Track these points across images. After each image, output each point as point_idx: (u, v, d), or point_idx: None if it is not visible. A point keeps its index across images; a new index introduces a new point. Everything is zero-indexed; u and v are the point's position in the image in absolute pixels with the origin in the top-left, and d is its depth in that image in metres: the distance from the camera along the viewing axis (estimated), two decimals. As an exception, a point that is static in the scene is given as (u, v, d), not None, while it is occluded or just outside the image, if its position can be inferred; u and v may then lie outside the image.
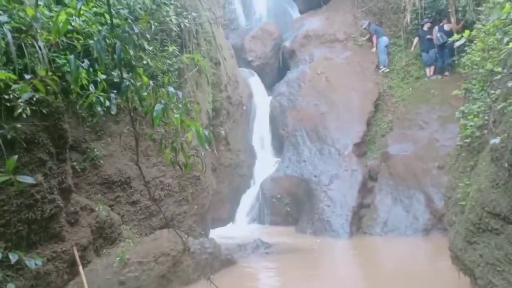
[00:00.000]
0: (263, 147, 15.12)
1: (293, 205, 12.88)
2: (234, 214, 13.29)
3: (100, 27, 6.29)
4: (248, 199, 13.64)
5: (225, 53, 13.66)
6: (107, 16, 5.70)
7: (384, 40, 14.43)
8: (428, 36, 13.49)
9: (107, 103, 4.08)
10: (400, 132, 12.85)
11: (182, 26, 9.19)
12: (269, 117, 15.34)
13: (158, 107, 3.19)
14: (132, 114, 3.89)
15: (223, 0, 17.77)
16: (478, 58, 6.12)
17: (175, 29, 8.83)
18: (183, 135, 3.52)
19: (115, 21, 5.04)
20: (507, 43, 4.94)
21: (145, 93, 3.36)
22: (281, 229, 12.43)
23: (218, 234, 11.42)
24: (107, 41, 3.31)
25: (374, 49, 14.67)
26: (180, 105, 3.60)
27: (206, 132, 3.56)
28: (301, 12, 17.93)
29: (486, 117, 5.41)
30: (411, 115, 13.02)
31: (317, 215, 11.93)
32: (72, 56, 3.13)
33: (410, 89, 13.77)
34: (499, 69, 5.38)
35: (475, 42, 6.46)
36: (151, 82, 3.42)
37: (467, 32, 5.91)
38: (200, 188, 9.59)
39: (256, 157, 14.74)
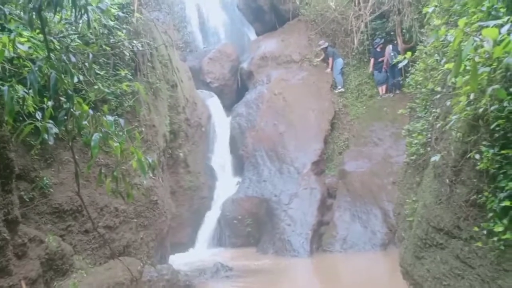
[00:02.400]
0: (224, 168, 15.08)
1: (254, 225, 12.85)
2: (195, 238, 13.09)
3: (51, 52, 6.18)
4: (209, 222, 13.50)
5: (182, 75, 13.66)
6: (54, 42, 5.60)
7: (340, 62, 14.89)
8: (380, 59, 14.01)
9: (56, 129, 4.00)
10: (356, 149, 13.17)
11: (135, 49, 9.12)
12: (229, 138, 15.36)
13: (96, 136, 3.14)
14: (71, 144, 3.80)
15: (180, 23, 17.83)
16: (421, 78, 6.41)
17: (127, 53, 8.75)
18: (126, 163, 3.47)
19: (57, 48, 4.95)
20: (444, 64, 5.21)
21: (84, 122, 3.30)
22: (242, 251, 12.35)
23: (178, 259, 11.21)
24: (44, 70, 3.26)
25: (329, 70, 15.07)
26: (121, 133, 3.54)
27: (150, 159, 3.51)
28: (258, 34, 18.25)
29: (429, 135, 5.64)
30: (366, 132, 13.39)
31: (278, 234, 11.95)
32: (6, 88, 3.05)
33: (364, 107, 14.20)
34: (439, 88, 5.65)
35: (418, 62, 6.77)
36: (90, 111, 3.37)
37: (408, 53, 6.20)
38: (158, 213, 9.41)
39: (217, 179, 14.67)
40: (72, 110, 3.35)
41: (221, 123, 15.65)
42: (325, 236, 11.94)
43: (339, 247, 11.43)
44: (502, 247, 3.82)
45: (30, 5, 3.37)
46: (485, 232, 4.02)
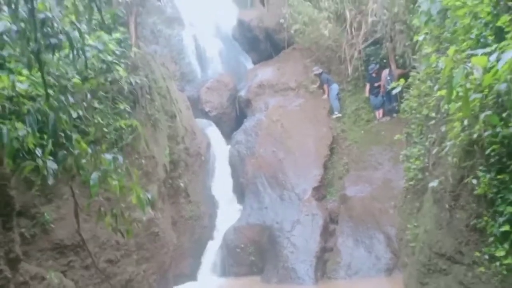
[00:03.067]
0: (224, 196, 15.03)
1: (257, 254, 12.73)
2: (197, 268, 12.94)
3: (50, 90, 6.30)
4: (211, 251, 13.38)
5: (181, 106, 13.81)
6: (53, 81, 5.71)
7: (335, 87, 15.06)
8: (376, 84, 14.19)
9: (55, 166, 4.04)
10: (356, 174, 13.18)
11: (134, 83, 9.27)
12: (229, 166, 15.38)
13: (95, 175, 3.19)
14: (70, 182, 3.84)
15: (177, 55, 18.12)
16: (415, 104, 6.51)
17: (126, 87, 8.88)
18: (125, 200, 3.50)
19: (54, 87, 5.06)
20: (437, 90, 5.31)
21: (84, 160, 3.36)
22: (246, 280, 12.20)
23: (180, 291, 11.09)
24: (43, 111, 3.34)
25: (325, 96, 15.24)
26: (119, 170, 3.59)
27: (149, 195, 3.55)
28: (254, 63, 18.51)
29: (426, 160, 5.70)
30: (365, 156, 13.43)
31: (282, 262, 11.83)
32: (6, 130, 3.12)
33: (362, 131, 14.29)
34: (433, 114, 5.74)
35: (411, 88, 6.89)
36: (89, 149, 3.43)
37: (402, 80, 6.32)
38: (160, 245, 9.37)
39: (218, 207, 14.62)
40: (71, 149, 3.41)
41: (220, 151, 15.70)
42: (329, 262, 11.82)
43: (344, 274, 11.31)
44: (505, 272, 3.83)
45: (29, 48, 3.47)
46: (487, 257, 4.03)
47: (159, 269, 9.18)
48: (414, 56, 8.82)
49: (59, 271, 7.11)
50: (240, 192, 14.69)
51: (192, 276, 12.66)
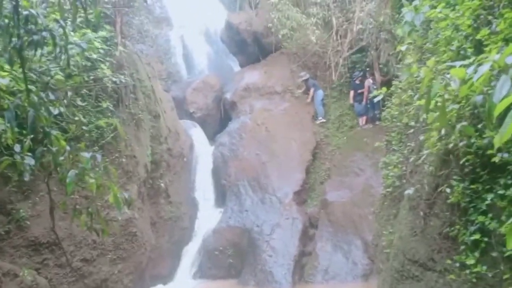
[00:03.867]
0: (206, 198, 14.99)
1: (236, 256, 12.70)
2: (175, 270, 12.86)
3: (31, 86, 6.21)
4: (190, 253, 13.31)
5: (166, 106, 13.74)
6: (34, 77, 5.64)
7: (320, 93, 15.18)
8: (360, 90, 14.35)
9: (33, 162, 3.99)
10: (337, 179, 13.28)
11: (118, 81, 9.20)
12: (212, 168, 15.35)
13: (71, 173, 3.17)
14: (47, 180, 3.80)
15: (164, 55, 18.06)
16: (396, 112, 6.60)
17: (110, 85, 8.81)
18: (103, 198, 3.48)
19: (36, 83, 5.00)
20: (417, 100, 5.40)
21: (62, 158, 3.33)
22: (224, 283, 12.18)
23: (158, 292, 11.00)
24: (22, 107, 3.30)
25: (308, 100, 15.34)
26: (97, 168, 3.57)
27: (126, 195, 3.53)
28: (241, 66, 18.54)
29: (404, 168, 5.78)
30: (347, 162, 13.54)
31: (260, 265, 11.84)
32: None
33: (345, 137, 14.42)
34: (413, 123, 5.83)
35: (393, 97, 6.99)
36: (68, 147, 3.40)
37: (384, 88, 6.40)
38: (137, 245, 9.29)
39: (198, 209, 14.56)
40: (49, 146, 3.38)
41: (203, 153, 15.65)
42: (307, 267, 11.87)
43: (321, 278, 11.36)
44: (474, 280, 3.91)
45: (11, 44, 3.43)
46: (458, 264, 4.10)
47: (135, 269, 9.10)
48: (398, 65, 8.96)
49: (33, 269, 7.02)
50: (222, 194, 14.67)
51: (170, 278, 12.57)
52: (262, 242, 12.20)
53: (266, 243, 12.14)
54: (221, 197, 14.64)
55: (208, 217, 14.07)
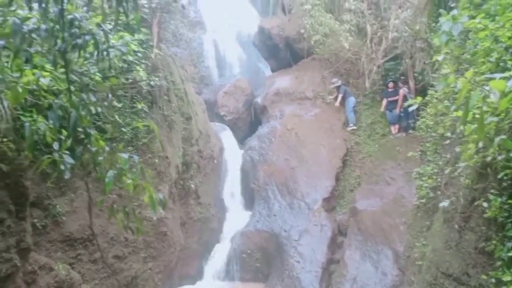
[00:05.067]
0: (234, 201, 15.10)
1: (263, 260, 12.73)
2: (203, 270, 12.99)
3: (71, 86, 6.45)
4: (218, 255, 13.41)
5: (197, 108, 13.94)
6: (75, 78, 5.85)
7: (352, 100, 15.03)
8: (392, 99, 14.12)
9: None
10: (367, 188, 13.11)
11: (152, 83, 9.42)
12: (241, 171, 15.44)
13: (110, 173, 3.28)
14: (86, 179, 3.94)
15: (197, 58, 18.33)
16: (431, 122, 6.50)
17: (145, 86, 9.03)
18: (137, 198, 3.58)
19: (75, 83, 5.19)
20: (454, 111, 5.30)
21: (100, 158, 3.45)
22: (251, 286, 12.21)
23: (185, 292, 11.15)
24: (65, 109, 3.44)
25: (337, 103, 15.21)
26: (134, 169, 3.68)
27: (161, 196, 3.63)
28: (273, 70, 18.61)
29: (439, 179, 5.68)
30: (378, 170, 13.35)
31: (287, 271, 11.81)
32: (27, 123, 3.22)
33: (377, 145, 14.21)
34: (449, 134, 5.72)
35: (428, 107, 6.87)
36: (106, 148, 3.52)
37: (419, 98, 6.31)
38: (167, 244, 9.46)
39: (227, 211, 14.68)
40: (89, 146, 3.51)
41: (233, 156, 15.78)
42: (335, 275, 11.75)
43: (349, 287, 11.22)
44: (511, 297, 3.80)
45: (56, 47, 3.58)
46: (493, 280, 4.00)
47: (165, 268, 9.26)
48: (433, 75, 8.80)
49: (67, 263, 7.25)
50: (250, 197, 14.74)
51: (197, 278, 12.72)
52: (289, 248, 12.17)
53: (294, 248, 12.11)
54: (250, 201, 14.71)
55: (236, 220, 14.16)
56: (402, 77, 14.25)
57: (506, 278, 3.83)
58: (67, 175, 3.53)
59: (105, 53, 3.82)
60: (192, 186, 12.72)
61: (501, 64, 4.58)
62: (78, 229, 7.55)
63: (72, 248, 7.53)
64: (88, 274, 7.67)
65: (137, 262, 8.58)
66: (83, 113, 3.89)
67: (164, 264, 9.38)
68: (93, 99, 3.56)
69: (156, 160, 9.72)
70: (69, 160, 3.88)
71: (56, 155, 4.08)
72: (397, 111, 14.01)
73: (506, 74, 3.85)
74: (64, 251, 7.44)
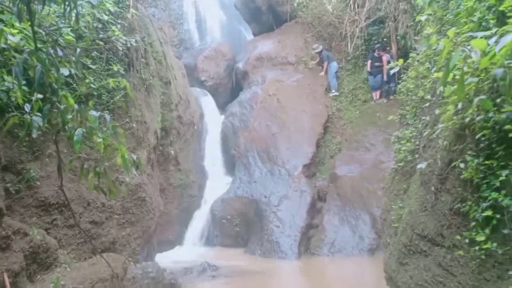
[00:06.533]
0: (215, 167, 15.05)
1: (243, 226, 12.82)
2: (183, 236, 13.05)
3: (41, 45, 6.14)
4: (198, 221, 13.47)
5: (177, 73, 13.62)
6: (44, 34, 5.56)
7: (334, 65, 14.89)
8: (377, 64, 14.00)
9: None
10: (347, 154, 13.19)
11: (129, 44, 9.08)
12: (221, 137, 15.34)
13: (79, 131, 3.12)
14: (55, 137, 3.77)
15: (176, 20, 17.79)
16: (412, 86, 6.43)
17: (121, 48, 8.70)
18: (110, 159, 3.44)
19: (46, 43, 4.92)
20: (435, 72, 5.23)
21: (69, 116, 3.28)
22: (230, 251, 12.33)
23: (165, 257, 11.19)
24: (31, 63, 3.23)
25: (322, 73, 15.08)
26: (105, 129, 3.52)
27: (135, 157, 3.49)
28: (254, 34, 18.24)
29: (417, 142, 5.66)
30: (358, 137, 13.41)
31: (266, 236, 11.94)
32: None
33: (358, 112, 14.22)
34: (429, 96, 5.67)
35: (410, 69, 6.79)
36: (76, 105, 3.35)
37: (401, 60, 6.22)
38: (145, 210, 9.37)
39: (207, 178, 14.65)
40: (57, 104, 3.33)
41: (214, 122, 15.63)
42: (314, 239, 11.94)
43: (327, 251, 11.44)
44: (483, 257, 3.84)
45: (19, -3, 3.33)
46: (467, 241, 4.04)
47: (143, 234, 9.21)
48: (416, 37, 8.69)
49: (42, 228, 7.12)
50: (231, 164, 14.71)
51: (177, 244, 12.78)
52: (269, 213, 12.26)
53: (274, 214, 12.21)
54: (230, 167, 14.69)
55: (216, 186, 14.16)
56: (385, 39, 14.09)
57: (480, 238, 3.86)
58: (34, 134, 3.36)
59: (72, 4, 3.57)
60: (172, 152, 12.57)
61: (484, 23, 4.48)
62: (53, 194, 7.38)
63: (47, 213, 7.38)
64: (64, 239, 7.56)
65: (115, 228, 8.49)
66: (51, 69, 3.67)
67: (143, 229, 9.32)
68: (61, 54, 3.35)
69: (134, 125, 9.50)
70: (37, 120, 3.70)
71: (25, 116, 3.89)
72: (384, 77, 13.91)
73: (488, 32, 3.75)
74: (39, 216, 7.30)
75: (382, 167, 12.07)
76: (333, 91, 14.88)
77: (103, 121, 3.95)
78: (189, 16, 18.35)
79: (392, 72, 5.87)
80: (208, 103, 16.10)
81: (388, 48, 14.05)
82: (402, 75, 7.60)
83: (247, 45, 17.55)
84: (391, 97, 13.85)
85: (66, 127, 3.64)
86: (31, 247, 6.64)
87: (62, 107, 3.47)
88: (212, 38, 18.43)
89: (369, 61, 14.28)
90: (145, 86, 10.39)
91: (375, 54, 14.16)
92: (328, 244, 11.58)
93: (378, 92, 14.28)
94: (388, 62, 13.36)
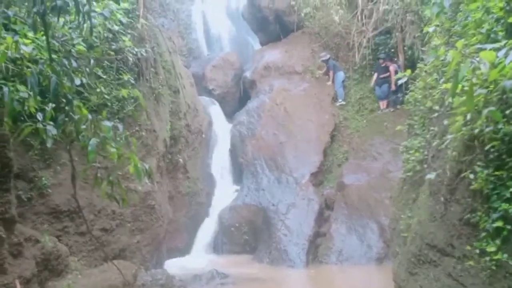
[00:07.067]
0: (223, 175, 15.10)
1: (251, 234, 12.85)
2: (191, 244, 13.08)
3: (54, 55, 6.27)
4: (206, 228, 13.50)
5: (185, 82, 13.76)
6: (57, 45, 5.68)
7: (341, 75, 14.94)
8: (382, 75, 14.05)
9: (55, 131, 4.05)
10: (355, 163, 13.20)
11: (139, 55, 9.22)
12: (229, 146, 15.41)
13: (93, 141, 3.20)
14: (69, 147, 3.85)
15: (185, 30, 17.97)
16: (420, 96, 6.47)
17: (131, 58, 8.83)
18: (122, 168, 3.51)
19: (59, 53, 5.04)
20: (443, 83, 5.27)
21: (83, 126, 3.36)
22: (238, 259, 12.34)
23: (174, 264, 11.22)
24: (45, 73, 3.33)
25: (329, 83, 15.14)
26: (118, 138, 3.60)
27: (147, 166, 3.57)
28: (262, 44, 18.35)
29: (426, 152, 5.69)
30: (365, 146, 13.43)
31: (274, 244, 11.95)
32: (6, 89, 3.12)
33: (365, 121, 14.25)
34: (437, 107, 5.71)
35: (417, 80, 6.84)
36: (89, 115, 3.43)
37: (408, 71, 6.27)
38: (155, 217, 9.45)
39: (215, 185, 14.70)
40: (71, 113, 3.42)
41: (221, 131, 15.71)
42: (321, 247, 11.92)
43: (335, 259, 11.42)
44: (494, 267, 3.86)
45: (35, 9, 3.43)
46: (477, 251, 4.05)
47: (153, 241, 9.28)
48: (423, 48, 8.75)
49: (54, 236, 7.22)
50: (239, 172, 14.76)
51: (186, 251, 12.81)
52: (277, 221, 12.28)
53: (281, 222, 12.22)
54: (238, 175, 14.74)
55: (224, 194, 14.21)
56: (392, 50, 14.14)
57: (490, 249, 3.88)
58: (49, 144, 3.44)
59: (86, 17, 3.67)
60: (180, 160, 12.67)
61: (492, 35, 4.53)
62: (64, 202, 7.49)
63: (59, 221, 7.49)
64: (75, 246, 7.66)
65: (125, 235, 8.57)
66: (66, 80, 3.77)
67: (152, 237, 9.39)
68: (74, 65, 3.44)
69: (143, 133, 9.62)
70: (52, 130, 3.78)
71: (39, 125, 3.98)
72: (392, 87, 13.93)
73: (497, 44, 3.81)
74: (50, 223, 7.40)
75: (389, 176, 12.07)
76: (340, 100, 14.93)
77: (115, 130, 4.04)
78: (197, 26, 18.52)
79: (400, 82, 5.91)
80: (216, 112, 16.19)
81: (395, 59, 14.12)
82: (409, 85, 7.64)
83: (255, 55, 17.67)
84: (398, 107, 13.88)
85: (79, 136, 3.73)
86: (43, 254, 6.74)
87: (76, 117, 3.56)
88: (220, 48, 18.59)
89: (375, 74, 14.33)
90: (154, 95, 10.53)
91: (381, 65, 14.21)
92: (336, 252, 11.56)
93: (385, 102, 14.31)
94: (396, 72, 13.42)
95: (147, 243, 9.12)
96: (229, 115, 16.45)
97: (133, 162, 3.35)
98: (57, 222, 7.43)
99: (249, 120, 15.13)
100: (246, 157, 14.33)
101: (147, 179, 3.66)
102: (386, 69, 14.04)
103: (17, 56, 5.22)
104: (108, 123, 3.36)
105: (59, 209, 7.42)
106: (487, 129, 3.99)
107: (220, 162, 15.25)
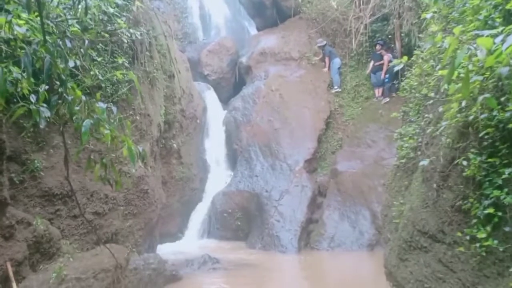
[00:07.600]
0: (217, 161, 15.10)
1: (244, 219, 12.90)
2: (184, 229, 13.13)
3: (47, 36, 6.17)
4: (199, 214, 13.54)
5: (180, 66, 13.63)
6: (52, 26, 5.58)
7: (337, 61, 14.88)
8: (377, 63, 14.02)
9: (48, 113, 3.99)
10: (349, 150, 13.23)
11: (133, 37, 9.10)
12: (224, 132, 15.37)
13: (87, 122, 3.15)
14: (62, 128, 3.80)
15: (180, 14, 17.76)
16: (415, 83, 6.45)
17: (126, 40, 8.72)
18: (116, 151, 3.48)
19: (53, 34, 4.94)
20: (439, 70, 5.25)
21: (77, 107, 3.31)
22: (231, 244, 12.40)
23: (166, 249, 11.26)
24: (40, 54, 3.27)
25: (325, 69, 15.09)
26: (113, 121, 3.56)
27: (140, 148, 3.53)
28: (258, 29, 18.21)
29: (420, 139, 5.69)
30: (360, 133, 13.44)
31: (267, 230, 12.01)
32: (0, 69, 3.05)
33: (360, 108, 14.25)
34: (432, 94, 5.70)
35: (413, 67, 6.81)
36: (83, 97, 3.38)
37: (405, 57, 6.23)
38: (148, 202, 9.43)
39: (209, 171, 14.70)
40: (65, 95, 3.36)
41: (216, 116, 15.65)
42: (314, 233, 12.01)
43: (327, 245, 11.51)
44: (484, 253, 3.88)
45: (28, -13, 3.36)
46: (468, 237, 4.08)
47: (145, 226, 9.28)
48: (420, 35, 8.70)
49: (46, 219, 7.19)
50: (233, 158, 14.75)
51: (179, 236, 12.86)
52: (270, 207, 12.33)
53: (274, 208, 12.27)
54: (232, 161, 14.74)
55: (218, 180, 14.22)
56: (389, 36, 14.08)
57: (481, 235, 3.90)
58: (42, 125, 3.39)
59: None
60: (174, 145, 12.62)
61: (489, 22, 4.50)
62: (57, 185, 7.44)
63: (51, 204, 7.45)
64: (68, 230, 7.63)
65: (117, 219, 8.56)
66: (59, 60, 3.71)
67: (145, 221, 9.39)
68: (69, 45, 3.38)
69: (137, 118, 9.55)
70: (45, 111, 3.73)
71: (32, 107, 3.92)
72: (382, 76, 13.95)
73: (494, 31, 3.78)
74: (42, 206, 7.36)
75: (383, 163, 12.12)
76: (336, 87, 14.90)
77: (109, 113, 3.99)
78: (193, 10, 18.31)
79: (396, 68, 5.88)
80: (211, 97, 16.10)
81: (392, 46, 14.06)
82: (405, 73, 7.62)
83: (251, 40, 17.54)
84: (394, 94, 13.88)
85: (73, 118, 3.68)
86: (35, 237, 6.71)
87: (69, 98, 3.51)
88: (216, 32, 18.42)
89: (371, 62, 14.30)
90: (149, 79, 10.42)
91: (376, 51, 14.16)
92: (327, 238, 11.65)
93: (380, 89, 14.30)
94: (390, 62, 13.40)
95: (140, 228, 9.12)
96: (224, 100, 16.37)
97: (127, 144, 3.32)
98: (49, 205, 7.39)
99: (244, 106, 15.08)
100: (240, 143, 14.31)
101: (141, 163, 3.62)
102: (382, 57, 14.01)
103: (11, 36, 5.12)
104: (101, 105, 3.32)
105: (52, 192, 7.38)
106: (482, 116, 3.98)
107: (214, 148, 15.23)
